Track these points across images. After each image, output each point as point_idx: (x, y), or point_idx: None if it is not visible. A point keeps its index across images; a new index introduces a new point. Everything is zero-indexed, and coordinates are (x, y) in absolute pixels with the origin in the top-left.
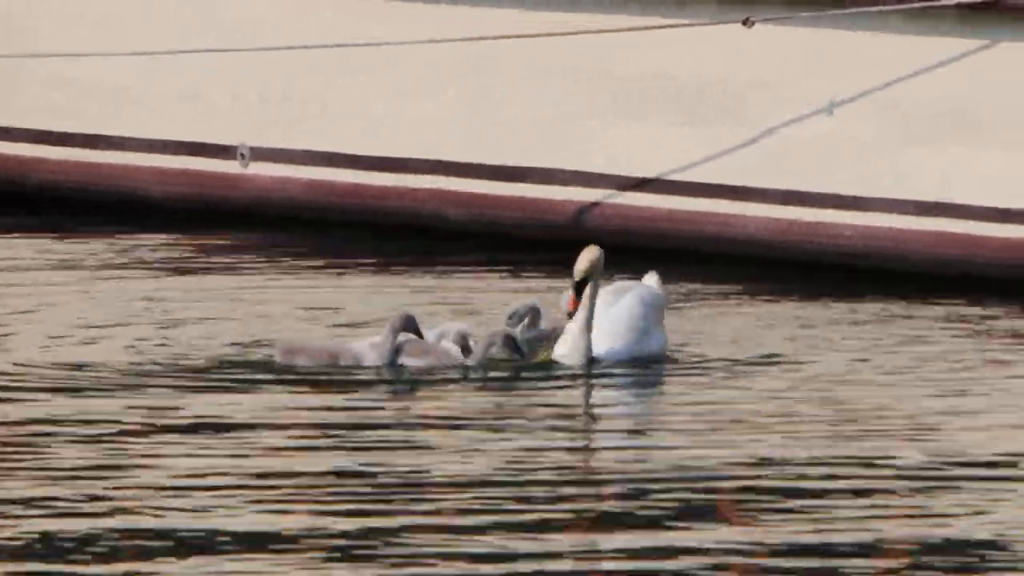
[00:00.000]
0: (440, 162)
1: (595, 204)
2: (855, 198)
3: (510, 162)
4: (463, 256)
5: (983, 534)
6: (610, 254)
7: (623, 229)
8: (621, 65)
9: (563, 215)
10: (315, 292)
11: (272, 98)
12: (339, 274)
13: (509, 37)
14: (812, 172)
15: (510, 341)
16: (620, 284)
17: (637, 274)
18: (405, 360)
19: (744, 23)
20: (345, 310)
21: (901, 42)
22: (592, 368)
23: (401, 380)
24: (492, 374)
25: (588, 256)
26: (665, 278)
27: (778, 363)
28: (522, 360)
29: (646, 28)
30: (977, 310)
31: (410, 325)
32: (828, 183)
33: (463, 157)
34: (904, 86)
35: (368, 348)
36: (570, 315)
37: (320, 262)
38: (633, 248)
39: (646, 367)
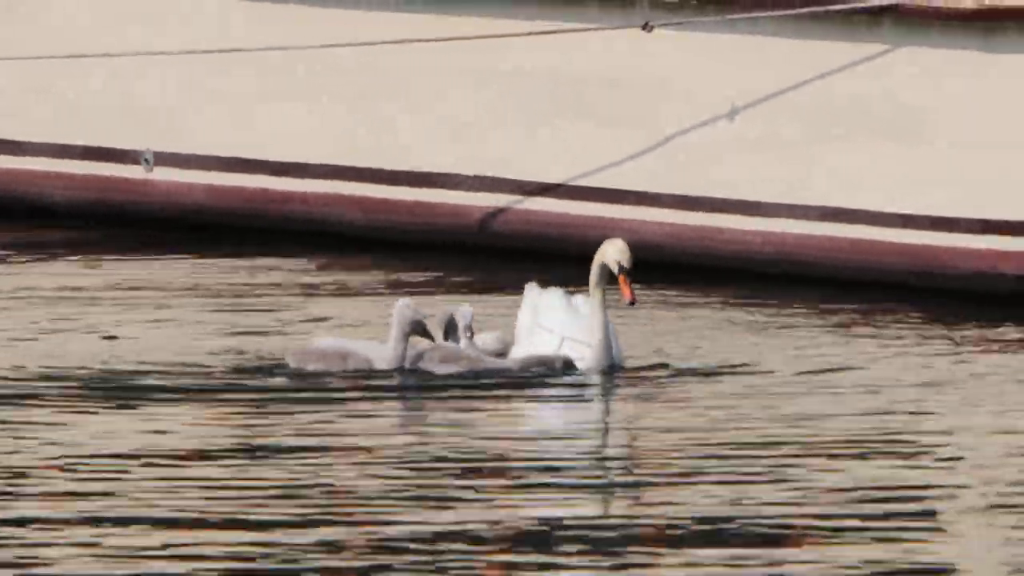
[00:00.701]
0: (342, 167)
1: (497, 209)
2: (757, 203)
3: (412, 167)
4: (365, 261)
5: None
6: (511, 259)
7: (525, 234)
8: (523, 69)
9: (465, 220)
10: (219, 299)
11: (175, 103)
12: (246, 282)
13: (411, 41)
14: (713, 177)
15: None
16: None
17: (540, 280)
18: (435, 367)
19: (644, 28)
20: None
21: (802, 46)
22: (615, 375)
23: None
24: (516, 380)
25: (621, 245)
26: (567, 284)
27: (688, 371)
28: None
29: (546, 32)
30: (878, 316)
31: (419, 328)
32: (729, 188)
33: (365, 162)
34: (805, 90)
35: (384, 351)
36: (632, 303)
37: (226, 267)
38: (535, 253)
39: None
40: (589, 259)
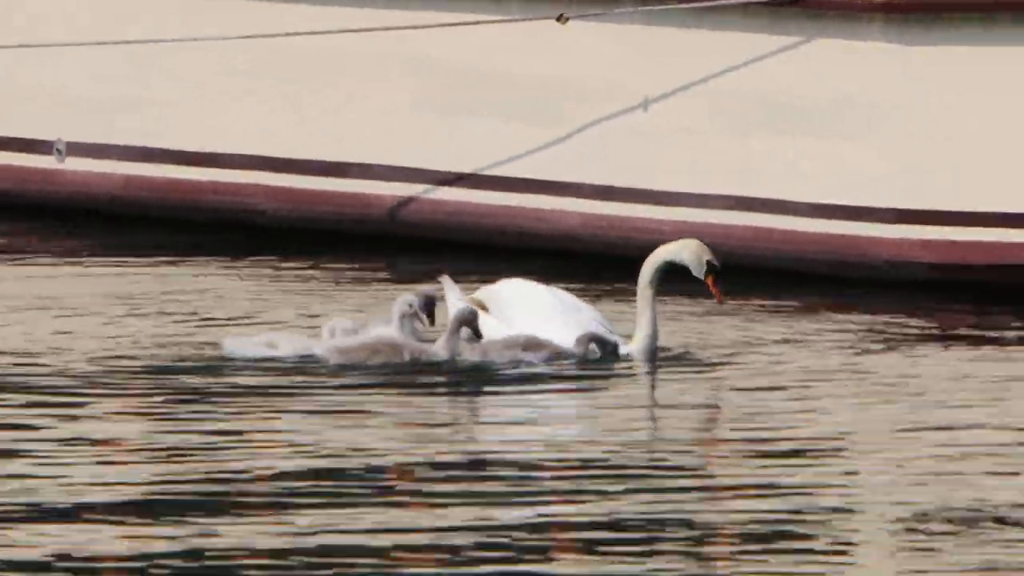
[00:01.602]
0: (259, 157)
1: (413, 199)
2: (671, 193)
3: (329, 157)
4: (284, 251)
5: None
6: (427, 249)
7: (441, 224)
8: (437, 61)
9: (381, 210)
10: (136, 284)
11: (89, 92)
12: (162, 273)
13: (327, 33)
14: (628, 167)
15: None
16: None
17: (456, 269)
18: (528, 356)
19: (558, 19)
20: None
21: (716, 38)
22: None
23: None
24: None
25: (702, 245)
26: (484, 274)
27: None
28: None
29: (461, 24)
30: (793, 303)
31: (472, 318)
32: (644, 178)
33: (282, 152)
34: (719, 81)
35: (438, 343)
36: (721, 303)
37: (141, 258)
38: (451, 243)
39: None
40: (503, 248)
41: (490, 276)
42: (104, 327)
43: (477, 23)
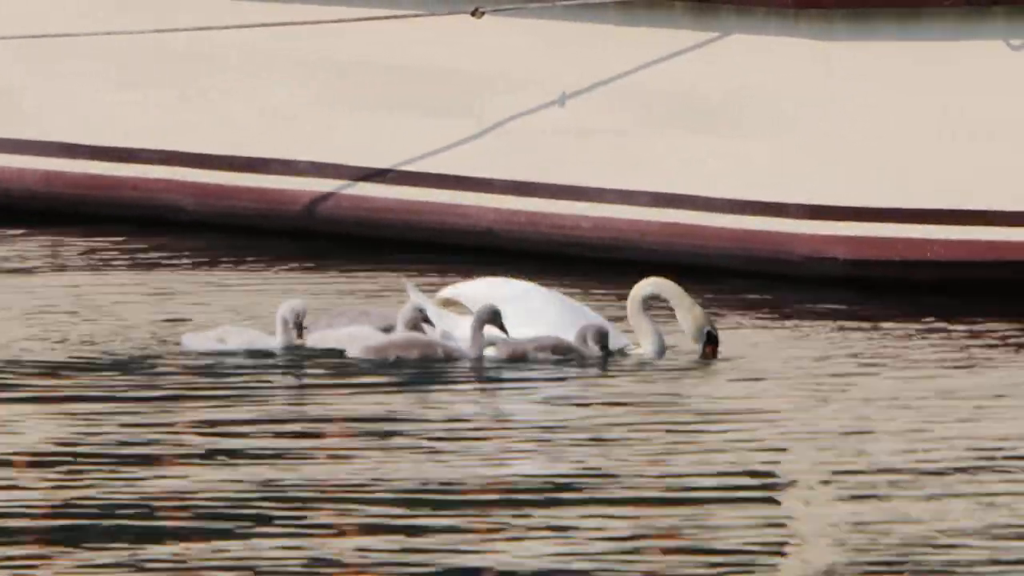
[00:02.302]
0: (175, 153)
1: (330, 195)
2: (588, 189)
3: (245, 152)
4: (199, 247)
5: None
6: (347, 246)
7: (358, 220)
8: (354, 56)
9: (298, 206)
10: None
11: (6, 88)
12: (80, 267)
13: (245, 27)
14: (545, 162)
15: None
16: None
17: (377, 266)
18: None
19: (473, 13)
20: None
21: (633, 33)
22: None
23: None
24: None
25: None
26: (401, 269)
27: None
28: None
29: (376, 18)
30: (712, 296)
31: (495, 316)
32: (561, 174)
33: (198, 148)
34: (637, 76)
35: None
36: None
37: (62, 255)
38: (369, 239)
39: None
40: (421, 244)
41: (414, 270)
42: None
43: (393, 17)
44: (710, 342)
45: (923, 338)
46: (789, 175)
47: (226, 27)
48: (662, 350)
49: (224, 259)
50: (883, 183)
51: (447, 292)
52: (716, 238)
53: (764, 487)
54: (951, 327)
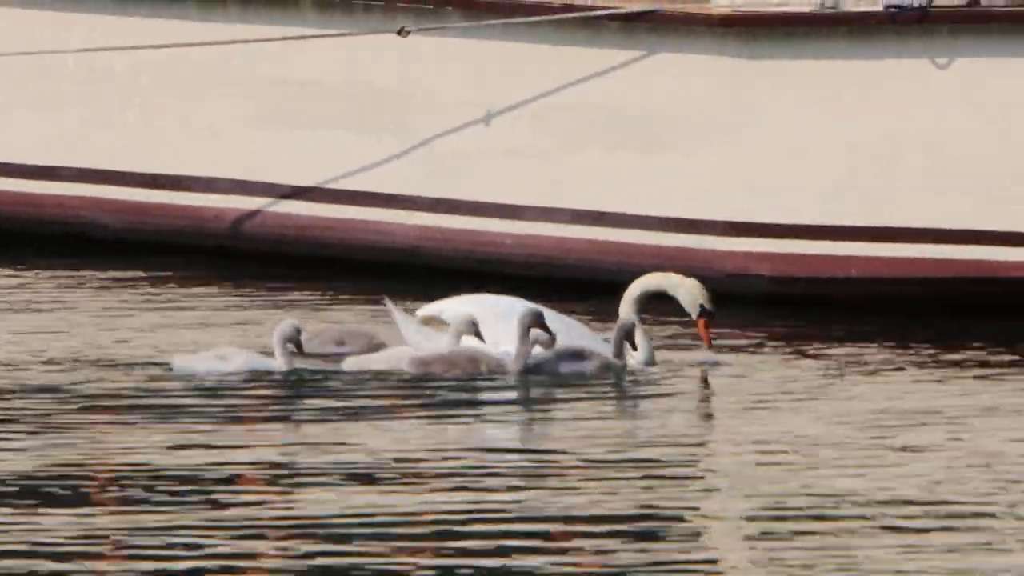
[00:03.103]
0: (98, 171)
1: (253, 213)
2: (511, 206)
3: (169, 170)
4: (120, 265)
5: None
6: (268, 262)
7: (280, 237)
8: (278, 74)
9: (221, 224)
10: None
11: None
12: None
13: (168, 47)
14: (468, 180)
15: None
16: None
17: (294, 284)
18: (568, 367)
19: (399, 33)
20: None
21: (557, 52)
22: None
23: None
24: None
25: (700, 285)
26: (326, 286)
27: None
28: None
29: (302, 37)
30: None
31: (540, 319)
32: (484, 192)
33: (121, 166)
34: (560, 95)
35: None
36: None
37: None
38: (291, 257)
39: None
40: (346, 261)
41: (340, 287)
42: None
43: (318, 36)
44: (703, 315)
45: (848, 357)
46: (713, 193)
47: (149, 47)
48: (652, 359)
49: (145, 277)
50: (806, 201)
51: (429, 309)
52: (639, 255)
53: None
54: (872, 345)
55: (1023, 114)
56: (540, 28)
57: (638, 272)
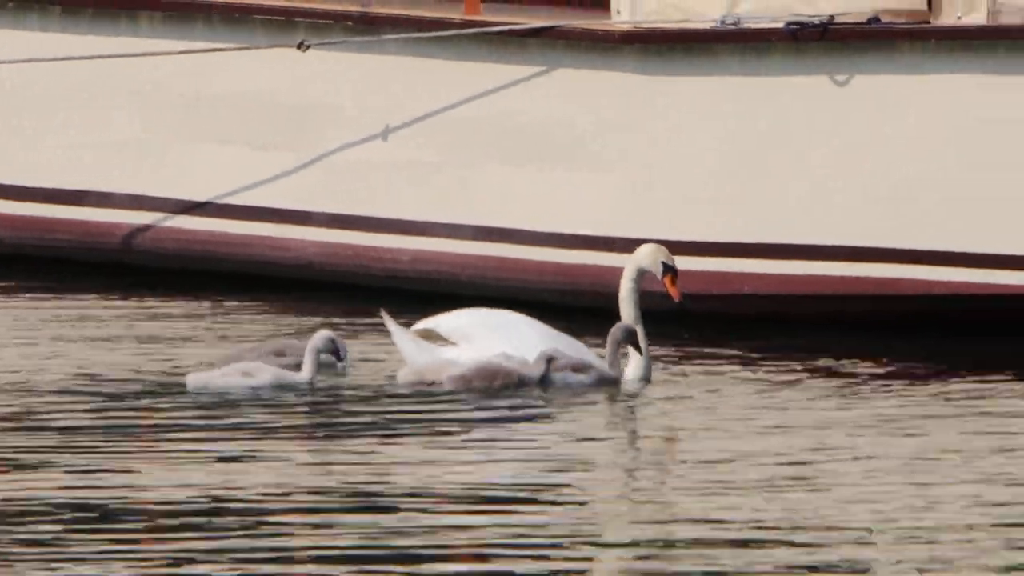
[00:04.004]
0: None
1: (149, 227)
2: (410, 222)
3: (66, 185)
4: (10, 282)
5: None
6: (162, 277)
7: (177, 253)
8: (176, 88)
9: (116, 238)
10: None
11: None
12: None
13: (64, 59)
14: (367, 196)
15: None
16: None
17: (188, 296)
18: (571, 378)
19: (299, 47)
20: None
21: (458, 66)
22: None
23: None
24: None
25: (656, 247)
26: (227, 301)
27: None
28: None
29: (202, 51)
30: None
31: (633, 335)
32: (383, 207)
33: (15, 180)
34: (461, 110)
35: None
36: (681, 302)
37: None
38: (188, 272)
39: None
40: (242, 276)
41: (239, 302)
42: None
43: (217, 50)
44: (667, 272)
45: (738, 375)
46: (612, 209)
47: (47, 59)
48: (648, 374)
49: (40, 291)
50: (704, 217)
51: (426, 323)
52: (539, 272)
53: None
54: (764, 362)
55: (920, 131)
56: (440, 43)
57: (537, 289)
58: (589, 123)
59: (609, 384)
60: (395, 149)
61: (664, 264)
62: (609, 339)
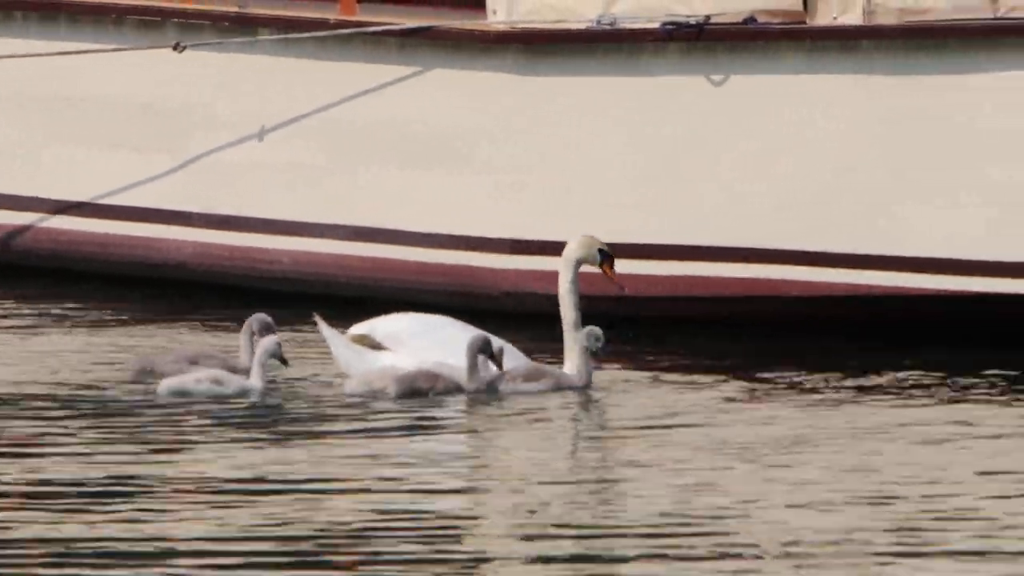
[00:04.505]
0: None
1: (25, 228)
2: (288, 223)
3: None
4: None
5: None
6: (42, 279)
7: (54, 253)
8: (52, 89)
9: None
10: None
11: None
12: None
13: None
14: (245, 197)
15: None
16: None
17: (77, 299)
18: (522, 386)
19: (175, 48)
20: None
21: (335, 67)
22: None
23: None
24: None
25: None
26: (103, 301)
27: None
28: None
29: (78, 52)
30: None
31: (487, 347)
32: (261, 208)
33: None
34: (338, 111)
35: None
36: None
37: None
38: (66, 272)
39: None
40: (119, 277)
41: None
42: None
43: (94, 51)
44: (604, 259)
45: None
46: (490, 210)
47: None
48: (589, 373)
49: None
50: (584, 219)
51: (360, 328)
52: (418, 273)
53: None
54: (637, 361)
55: (798, 131)
56: (316, 43)
57: (416, 290)
58: (465, 123)
59: (573, 390)
60: (272, 150)
61: (600, 251)
62: (577, 344)
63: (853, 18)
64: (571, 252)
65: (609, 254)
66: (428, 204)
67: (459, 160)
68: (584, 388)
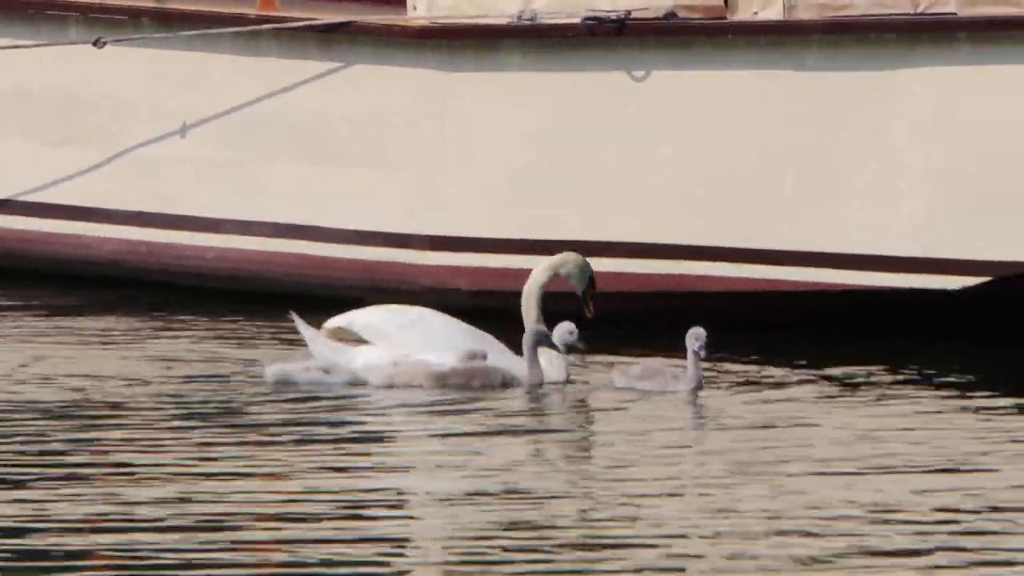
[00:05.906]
0: None
1: None
2: (211, 219)
3: None
4: None
5: None
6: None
7: None
8: None
9: None
10: None
11: None
12: None
13: None
14: (167, 193)
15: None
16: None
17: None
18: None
19: (95, 43)
20: None
21: (256, 63)
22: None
23: None
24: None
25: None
26: (26, 298)
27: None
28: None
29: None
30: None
31: (547, 339)
32: (184, 204)
33: None
34: (260, 106)
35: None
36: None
37: None
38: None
39: None
40: (41, 275)
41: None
42: None
43: (14, 47)
44: (591, 286)
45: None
46: (412, 206)
47: None
48: (541, 381)
49: None
50: (505, 215)
51: (337, 321)
52: (340, 269)
53: None
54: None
55: (718, 127)
56: (237, 39)
57: (339, 286)
58: (386, 119)
59: (527, 387)
60: (193, 146)
61: (591, 279)
62: (688, 348)
63: (774, 13)
64: (554, 264)
65: (594, 283)
66: (349, 200)
67: (378, 156)
68: (694, 391)
